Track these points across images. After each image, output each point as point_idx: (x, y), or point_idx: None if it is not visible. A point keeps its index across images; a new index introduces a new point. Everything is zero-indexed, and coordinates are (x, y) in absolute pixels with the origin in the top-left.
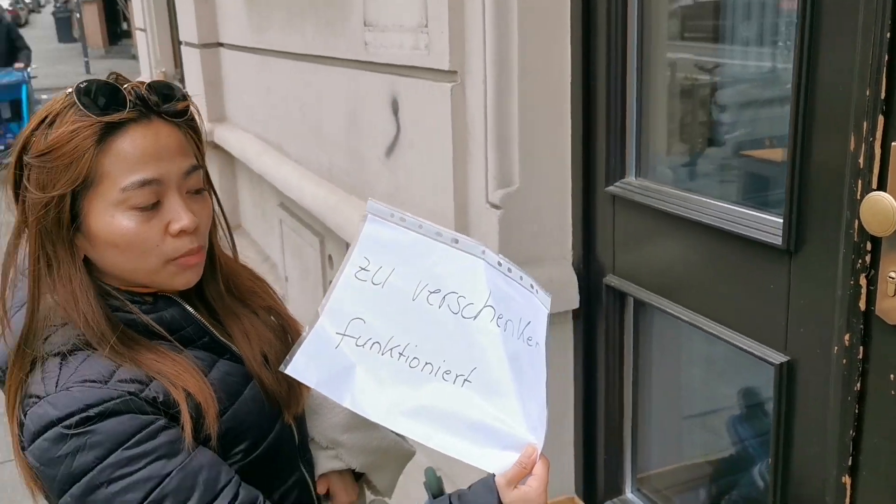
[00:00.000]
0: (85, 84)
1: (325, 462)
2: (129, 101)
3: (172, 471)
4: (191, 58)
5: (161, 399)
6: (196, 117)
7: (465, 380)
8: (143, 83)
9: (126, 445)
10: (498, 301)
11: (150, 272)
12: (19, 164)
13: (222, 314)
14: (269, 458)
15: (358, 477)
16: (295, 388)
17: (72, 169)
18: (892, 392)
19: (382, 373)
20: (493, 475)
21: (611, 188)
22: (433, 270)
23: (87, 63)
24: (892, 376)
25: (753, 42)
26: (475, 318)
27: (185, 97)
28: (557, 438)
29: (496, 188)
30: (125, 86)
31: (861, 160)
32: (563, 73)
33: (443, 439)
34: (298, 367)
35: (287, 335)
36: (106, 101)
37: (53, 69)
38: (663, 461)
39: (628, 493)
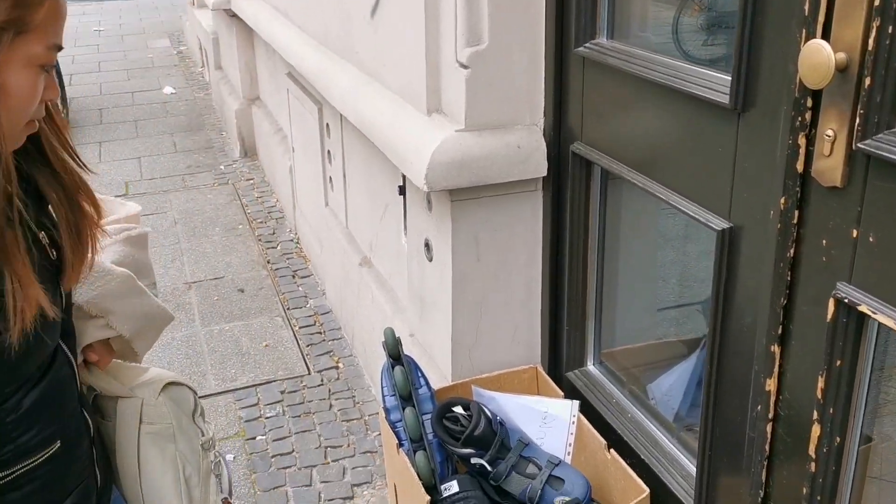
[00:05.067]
0: None
1: (93, 331)
2: None
3: None
4: None
5: None
6: None
7: None
8: None
9: None
10: None
11: (15, 129)
12: None
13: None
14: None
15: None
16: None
17: (17, 3)
18: (824, 258)
19: None
20: None
21: (580, 49)
22: None
23: None
24: (824, 241)
25: None
26: None
27: None
28: (525, 308)
29: (464, 46)
30: None
31: (806, 7)
32: None
33: None
34: None
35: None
36: None
37: None
38: (628, 337)
39: (590, 366)
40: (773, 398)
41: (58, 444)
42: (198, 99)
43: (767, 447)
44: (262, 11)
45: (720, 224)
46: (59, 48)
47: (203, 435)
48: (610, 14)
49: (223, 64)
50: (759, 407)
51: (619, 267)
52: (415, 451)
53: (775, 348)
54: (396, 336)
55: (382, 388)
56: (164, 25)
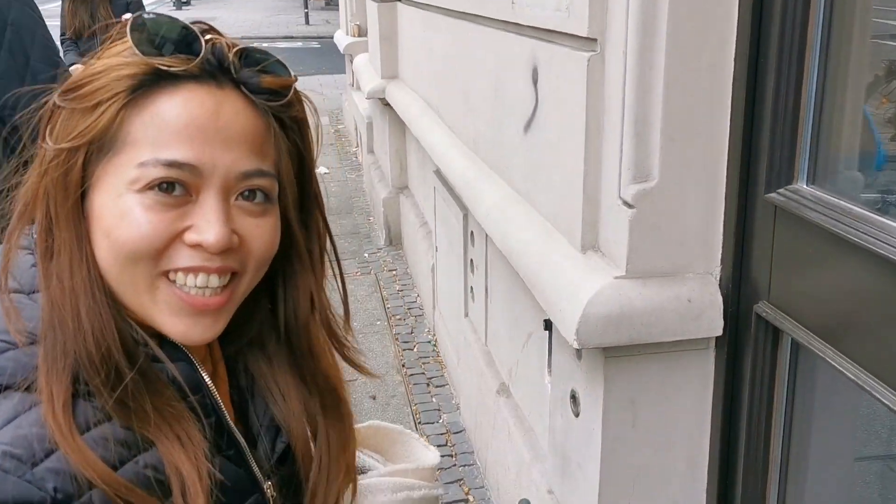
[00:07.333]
0: (149, 16)
1: None
2: (199, 52)
3: None
4: (371, 12)
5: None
6: (303, 110)
7: None
8: (236, 44)
9: None
10: None
11: (136, 290)
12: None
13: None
14: None
15: None
16: None
17: (94, 115)
18: None
19: None
20: None
21: (772, 195)
22: None
23: (306, 14)
24: None
25: None
26: None
27: (284, 73)
28: (687, 483)
29: (630, 182)
30: (207, 37)
31: None
32: (723, 45)
33: None
34: None
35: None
36: (165, 42)
37: (274, 19)
38: None
39: None
40: None
41: None
42: (349, 180)
43: None
44: (415, 105)
45: None
46: (174, 165)
47: None
48: (813, 153)
49: (375, 149)
50: None
51: (811, 450)
52: None
53: None
54: None
55: None
56: (325, 103)
